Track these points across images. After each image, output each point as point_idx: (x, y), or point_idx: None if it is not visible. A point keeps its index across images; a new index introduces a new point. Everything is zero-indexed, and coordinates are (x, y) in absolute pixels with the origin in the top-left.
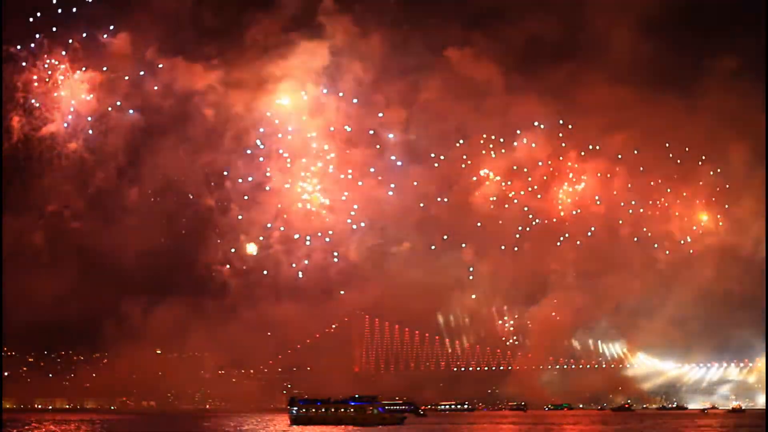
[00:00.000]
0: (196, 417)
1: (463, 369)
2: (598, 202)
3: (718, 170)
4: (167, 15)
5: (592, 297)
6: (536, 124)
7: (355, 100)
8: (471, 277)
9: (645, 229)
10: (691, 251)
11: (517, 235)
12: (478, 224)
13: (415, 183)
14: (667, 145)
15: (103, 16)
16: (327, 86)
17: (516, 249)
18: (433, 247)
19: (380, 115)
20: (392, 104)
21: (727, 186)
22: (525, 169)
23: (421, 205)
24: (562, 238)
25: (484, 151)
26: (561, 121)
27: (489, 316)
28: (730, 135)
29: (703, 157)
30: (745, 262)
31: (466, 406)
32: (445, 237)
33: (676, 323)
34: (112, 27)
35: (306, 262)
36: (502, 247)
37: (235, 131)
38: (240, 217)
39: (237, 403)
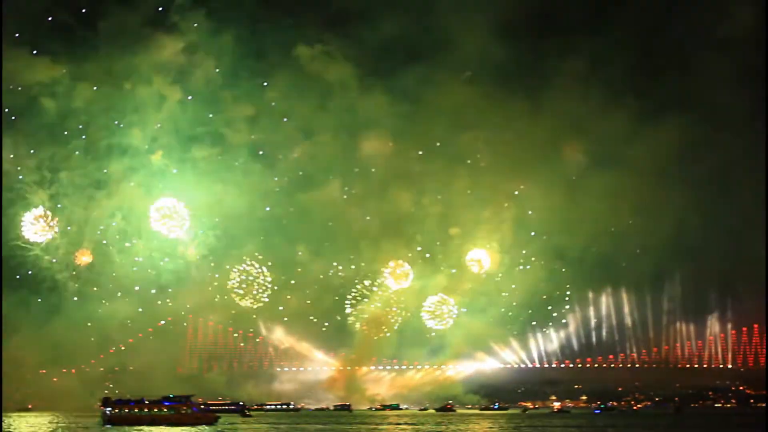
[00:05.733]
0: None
1: (286, 369)
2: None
3: (555, 172)
4: (16, 7)
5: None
6: (382, 123)
7: (201, 98)
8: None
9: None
10: (524, 252)
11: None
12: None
13: (259, 183)
14: (510, 146)
15: None
16: (175, 82)
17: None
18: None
19: (225, 114)
20: (239, 102)
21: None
22: (370, 170)
23: (267, 209)
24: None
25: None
26: (406, 122)
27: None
28: (570, 138)
29: (541, 159)
30: (575, 263)
31: (291, 406)
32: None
33: (501, 324)
34: None
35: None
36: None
37: (75, 126)
38: (75, 214)
39: (58, 403)
